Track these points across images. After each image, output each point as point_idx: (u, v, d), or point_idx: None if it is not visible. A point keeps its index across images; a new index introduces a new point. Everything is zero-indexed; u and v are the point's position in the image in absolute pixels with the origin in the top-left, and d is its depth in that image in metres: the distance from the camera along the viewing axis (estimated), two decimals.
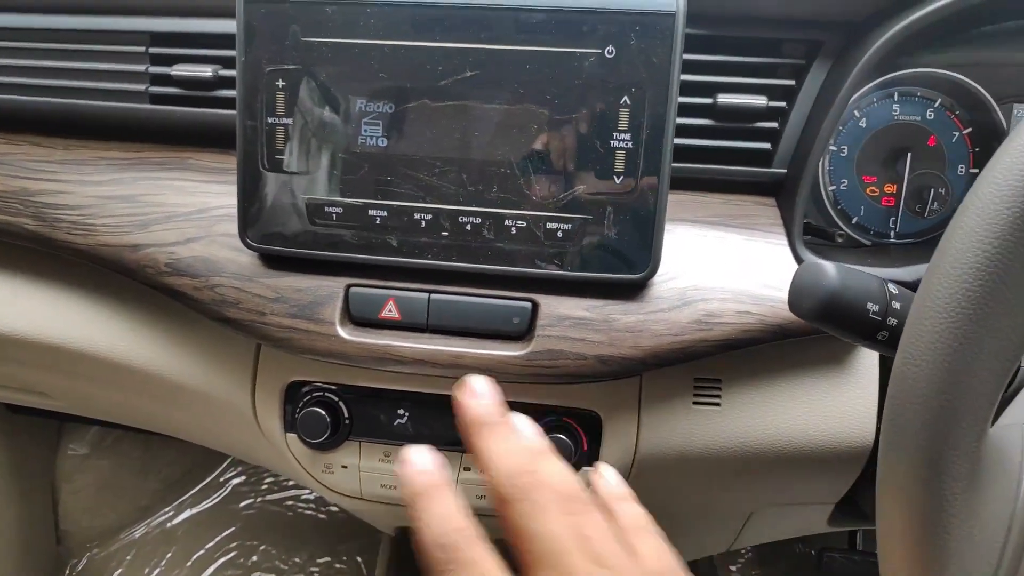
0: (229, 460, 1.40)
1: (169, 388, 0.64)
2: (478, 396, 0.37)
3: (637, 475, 0.59)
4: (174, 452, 1.35)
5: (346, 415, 0.61)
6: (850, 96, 0.54)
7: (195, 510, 1.37)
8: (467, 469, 0.60)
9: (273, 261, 0.58)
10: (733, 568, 1.27)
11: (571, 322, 0.55)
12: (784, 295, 0.54)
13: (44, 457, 1.27)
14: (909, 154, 0.62)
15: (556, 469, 0.35)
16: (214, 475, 1.39)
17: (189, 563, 1.32)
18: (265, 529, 1.34)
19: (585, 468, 0.58)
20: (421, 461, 0.36)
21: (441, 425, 0.60)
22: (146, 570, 1.31)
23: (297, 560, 1.31)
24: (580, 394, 0.58)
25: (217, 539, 1.33)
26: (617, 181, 0.52)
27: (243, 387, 0.62)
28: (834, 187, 0.64)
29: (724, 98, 0.57)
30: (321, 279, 0.57)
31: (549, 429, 0.58)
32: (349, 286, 0.57)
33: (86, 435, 1.30)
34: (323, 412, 0.59)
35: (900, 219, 0.63)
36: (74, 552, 1.33)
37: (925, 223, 0.63)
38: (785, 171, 0.58)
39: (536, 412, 0.59)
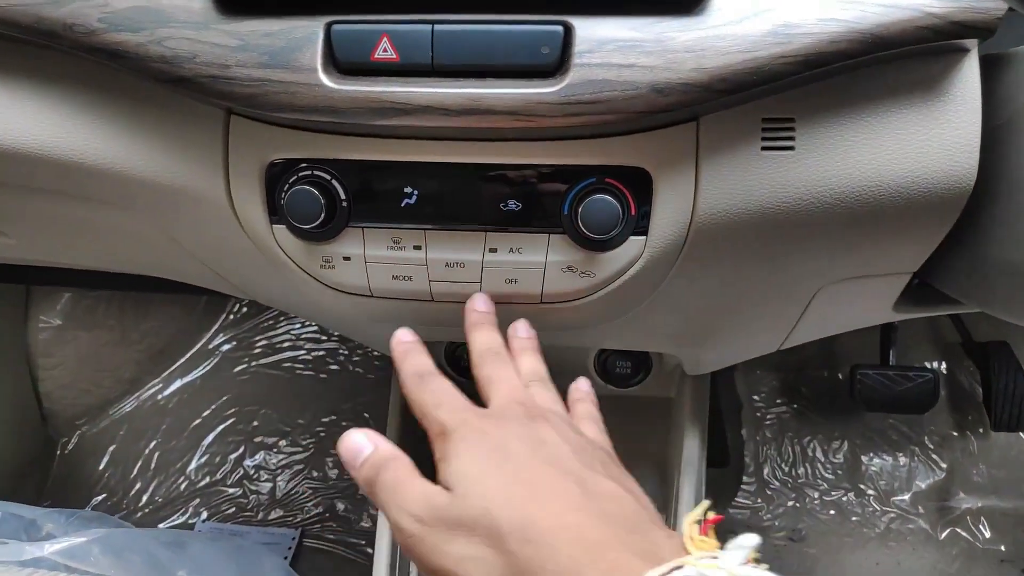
0: (216, 326, 1.31)
1: (124, 185, 0.53)
2: (477, 309, 0.52)
3: (693, 243, 0.50)
4: (154, 320, 1.26)
5: (343, 196, 0.50)
6: None
7: (186, 379, 1.29)
8: (492, 250, 0.51)
9: (233, 3, 0.46)
10: (757, 398, 1.23)
11: (616, 45, 0.44)
12: None
13: (14, 331, 1.17)
14: None
15: (521, 364, 0.50)
16: (201, 343, 1.31)
17: (186, 433, 1.25)
18: (263, 394, 1.27)
19: None
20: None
21: (457, 202, 0.50)
22: (141, 443, 1.25)
23: (301, 422, 1.25)
24: (624, 148, 0.48)
25: (213, 407, 1.27)
26: None
27: (213, 171, 0.51)
28: None
29: None
30: (294, 20, 0.45)
31: (589, 192, 0.48)
32: (331, 23, 0.45)
33: (57, 304, 1.20)
34: (315, 191, 0.49)
35: None
36: (63, 431, 1.26)
37: None
38: None
39: (572, 174, 0.49)
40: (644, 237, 0.49)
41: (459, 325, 0.52)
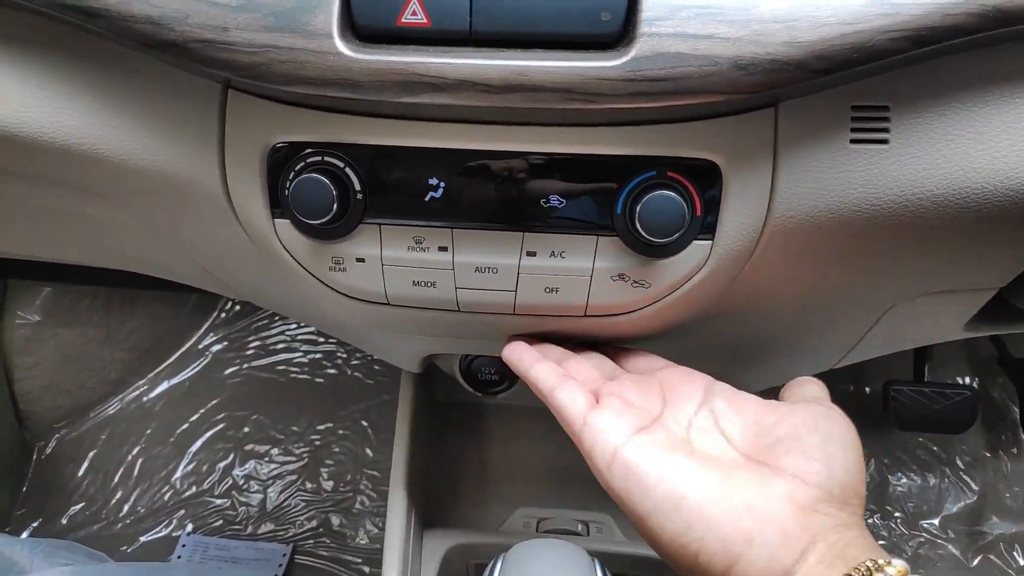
0: (207, 325, 1.23)
1: (102, 169, 0.46)
2: None
3: (766, 248, 0.43)
4: (141, 317, 1.18)
5: (357, 187, 0.43)
6: None
7: (173, 381, 1.21)
8: (531, 254, 0.44)
9: None
10: None
11: (691, 11, 0.36)
12: None
13: None
14: None
15: None
16: (191, 342, 1.23)
17: (172, 439, 1.17)
18: (255, 398, 1.19)
19: None
20: None
21: (491, 197, 0.43)
22: (124, 448, 1.17)
23: (295, 429, 1.17)
24: (690, 137, 0.41)
25: (201, 411, 1.19)
26: None
27: (207, 154, 0.44)
28: None
29: None
30: None
31: (648, 188, 0.41)
32: None
33: (37, 299, 1.12)
34: (326, 180, 0.41)
35: None
36: (40, 435, 1.17)
37: None
38: None
39: (628, 166, 0.42)
40: (710, 241, 0.42)
41: (483, 338, 0.45)
